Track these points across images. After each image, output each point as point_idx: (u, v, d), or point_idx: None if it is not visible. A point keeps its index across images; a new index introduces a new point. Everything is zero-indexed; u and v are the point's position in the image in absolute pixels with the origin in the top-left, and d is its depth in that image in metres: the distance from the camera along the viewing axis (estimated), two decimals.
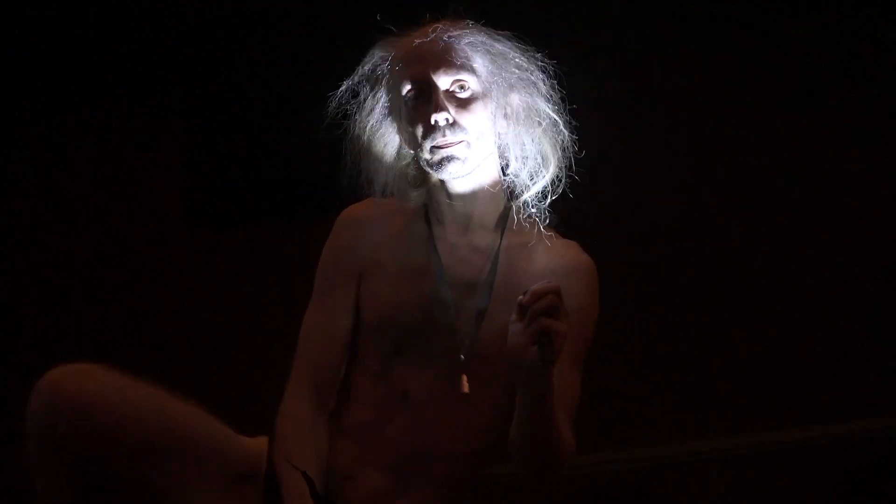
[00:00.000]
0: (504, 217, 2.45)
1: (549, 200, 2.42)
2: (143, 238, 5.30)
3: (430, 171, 2.39)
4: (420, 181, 2.45)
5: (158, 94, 5.32)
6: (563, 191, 2.43)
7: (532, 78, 2.41)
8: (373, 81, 2.45)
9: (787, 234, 4.57)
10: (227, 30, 5.23)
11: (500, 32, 2.43)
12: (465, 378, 2.32)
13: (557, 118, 2.41)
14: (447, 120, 2.34)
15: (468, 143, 2.35)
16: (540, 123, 2.41)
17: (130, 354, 5.25)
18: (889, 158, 4.49)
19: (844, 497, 4.20)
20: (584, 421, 4.32)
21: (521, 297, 2.12)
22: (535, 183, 2.41)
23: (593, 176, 2.47)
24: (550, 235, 2.44)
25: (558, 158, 2.41)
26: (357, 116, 2.45)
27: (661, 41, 4.77)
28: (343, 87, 2.45)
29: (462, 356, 2.33)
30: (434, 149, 2.35)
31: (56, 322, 5.36)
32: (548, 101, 2.42)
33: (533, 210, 2.43)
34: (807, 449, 4.34)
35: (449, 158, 2.35)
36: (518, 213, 2.45)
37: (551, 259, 2.43)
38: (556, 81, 2.43)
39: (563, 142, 2.42)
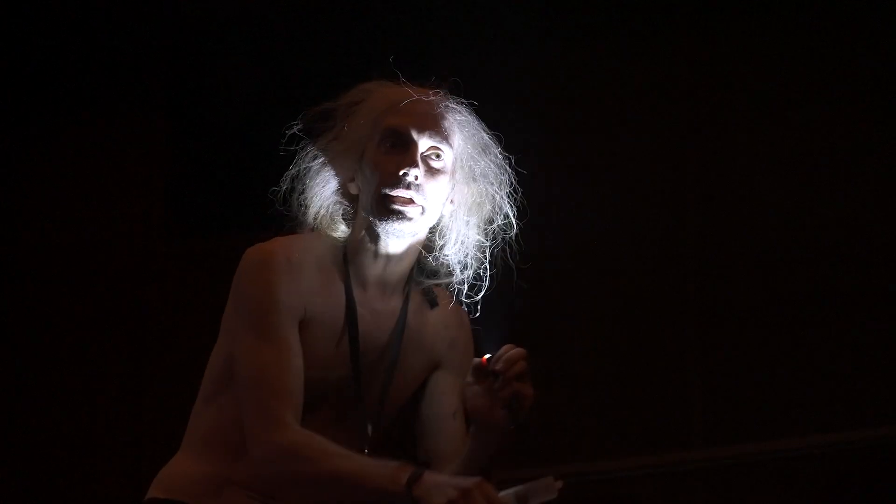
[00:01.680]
0: (408, 282, 2.45)
1: (477, 295, 2.44)
2: (125, 246, 5.31)
3: (373, 220, 2.36)
4: (350, 219, 2.43)
5: (140, 102, 5.34)
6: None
7: (499, 178, 2.42)
8: (350, 112, 2.42)
9: (773, 247, 4.58)
10: (208, 39, 5.25)
11: (488, 130, 2.44)
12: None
13: (514, 222, 2.43)
14: (416, 178, 2.33)
15: (423, 208, 2.35)
16: (487, 224, 2.42)
17: (114, 361, 5.27)
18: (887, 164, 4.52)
19: None
20: (570, 431, 4.32)
21: (477, 360, 2.23)
22: (456, 275, 2.42)
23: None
24: (439, 290, 2.47)
25: (484, 266, 2.42)
26: (322, 138, 2.44)
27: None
28: (320, 108, 2.44)
29: (369, 430, 2.38)
30: (388, 197, 2.33)
31: (39, 328, 5.37)
32: (511, 204, 2.43)
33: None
34: (792, 459, 4.36)
35: (399, 214, 2.33)
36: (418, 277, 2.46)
37: (442, 315, 2.46)
38: (519, 194, 2.44)
39: (496, 249, 2.43)
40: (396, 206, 2.33)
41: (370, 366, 2.39)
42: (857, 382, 4.37)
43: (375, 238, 2.37)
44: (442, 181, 2.37)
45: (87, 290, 5.36)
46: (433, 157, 2.37)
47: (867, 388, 4.34)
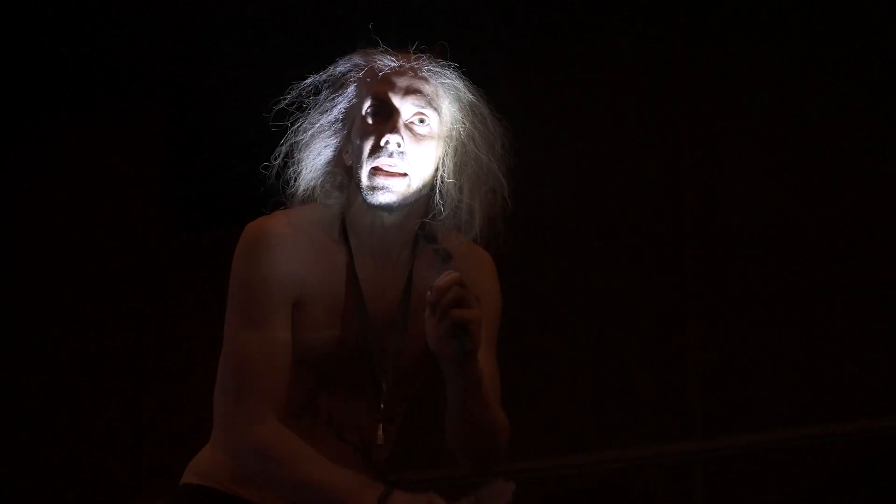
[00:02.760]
0: (415, 244, 2.42)
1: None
2: (124, 241, 5.33)
3: (362, 194, 2.33)
4: (345, 186, 2.40)
5: (138, 96, 5.36)
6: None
7: (491, 138, 2.39)
8: (338, 85, 2.41)
9: (772, 240, 4.58)
10: (206, 33, 5.26)
11: (477, 88, 2.41)
12: (380, 429, 2.37)
13: (504, 183, 2.38)
14: (398, 145, 2.31)
15: (409, 180, 2.32)
16: (485, 183, 2.37)
17: (113, 357, 5.28)
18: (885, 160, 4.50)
19: (831, 499, 4.21)
20: (570, 421, 4.30)
21: (428, 293, 2.18)
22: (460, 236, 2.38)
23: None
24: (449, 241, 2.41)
25: (485, 222, 2.37)
26: (311, 111, 2.42)
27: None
28: (307, 81, 2.42)
29: (382, 405, 2.36)
30: (374, 171, 2.31)
31: (37, 324, 5.37)
32: (500, 165, 2.39)
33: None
34: (791, 451, 4.36)
35: (384, 188, 2.30)
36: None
37: (455, 265, 2.36)
38: (513, 150, 2.40)
39: (499, 206, 2.38)
40: (381, 181, 2.30)
41: (380, 333, 2.37)
42: (856, 375, 4.37)
43: (370, 209, 2.35)
44: (428, 146, 2.33)
45: (85, 285, 5.38)
46: (417, 122, 2.34)
47: (867, 380, 4.35)
